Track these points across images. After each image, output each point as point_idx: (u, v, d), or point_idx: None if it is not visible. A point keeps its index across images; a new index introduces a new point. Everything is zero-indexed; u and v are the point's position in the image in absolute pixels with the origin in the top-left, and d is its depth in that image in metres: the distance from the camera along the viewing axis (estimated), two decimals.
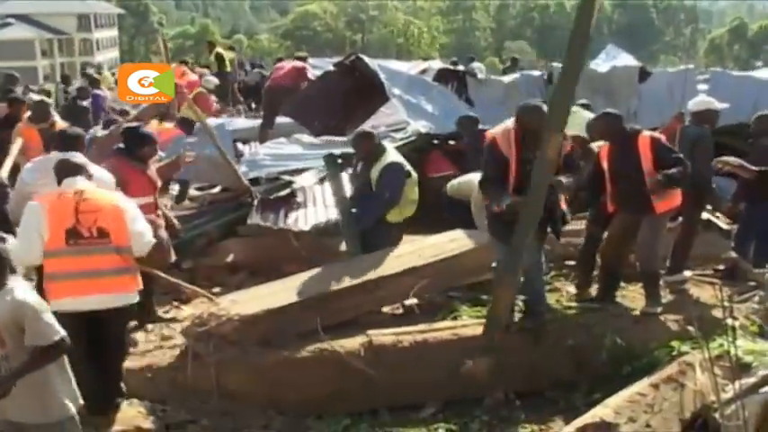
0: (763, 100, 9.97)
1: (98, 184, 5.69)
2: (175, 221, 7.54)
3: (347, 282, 6.65)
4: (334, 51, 50.69)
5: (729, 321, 5.55)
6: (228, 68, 19.11)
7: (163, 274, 6.73)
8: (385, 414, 6.11)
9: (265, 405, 5.97)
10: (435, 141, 10.48)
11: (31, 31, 72.24)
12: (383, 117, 11.74)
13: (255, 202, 8.96)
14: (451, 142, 10.40)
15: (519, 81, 12.87)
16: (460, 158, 9.67)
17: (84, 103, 14.55)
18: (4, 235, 5.40)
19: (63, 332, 4.04)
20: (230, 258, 8.71)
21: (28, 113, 9.82)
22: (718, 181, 8.12)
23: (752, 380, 5.12)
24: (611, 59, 13.57)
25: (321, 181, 9.51)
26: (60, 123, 9.34)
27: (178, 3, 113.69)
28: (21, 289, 4.03)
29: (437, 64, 16.89)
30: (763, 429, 4.79)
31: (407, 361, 6.15)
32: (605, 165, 6.87)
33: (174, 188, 10.36)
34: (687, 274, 7.53)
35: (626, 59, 13.56)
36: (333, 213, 8.65)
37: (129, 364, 5.94)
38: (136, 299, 5.48)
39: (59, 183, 5.44)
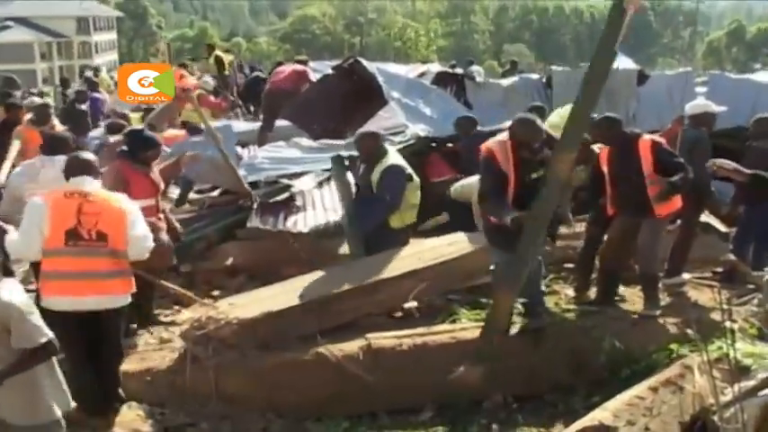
0: (762, 103, 9.97)
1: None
2: (177, 225, 7.55)
3: (346, 285, 6.64)
4: (332, 54, 50.80)
5: (728, 324, 5.56)
6: (227, 71, 19.13)
7: (158, 280, 6.72)
8: (384, 417, 6.10)
9: (264, 408, 5.96)
10: (434, 144, 10.48)
11: (30, 33, 72.23)
12: (382, 120, 11.73)
13: (255, 206, 8.97)
14: (450, 145, 10.40)
15: (517, 84, 12.89)
16: (459, 161, 9.67)
17: (83, 107, 14.53)
18: (6, 226, 5.44)
19: (50, 334, 4.03)
20: (229, 262, 8.70)
21: (29, 116, 9.83)
22: (716, 184, 8.12)
23: (751, 383, 5.11)
24: None
25: (320, 185, 9.53)
26: (59, 127, 9.35)
27: (177, 5, 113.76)
28: (7, 290, 4.00)
29: (436, 67, 16.88)
30: None
31: (406, 364, 6.15)
32: (605, 168, 6.88)
33: (175, 192, 10.37)
34: (686, 276, 7.54)
35: (624, 63, 13.55)
36: (332, 216, 8.66)
37: (127, 367, 5.93)
38: (127, 301, 5.47)
39: (67, 179, 5.45)
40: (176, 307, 7.64)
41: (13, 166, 8.30)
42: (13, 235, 5.33)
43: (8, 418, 4.08)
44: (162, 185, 7.08)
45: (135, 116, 11.22)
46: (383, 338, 6.28)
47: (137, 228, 5.39)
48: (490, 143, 6.35)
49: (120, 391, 5.62)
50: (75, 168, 5.47)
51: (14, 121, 9.83)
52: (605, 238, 7.12)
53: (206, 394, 5.92)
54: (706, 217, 8.38)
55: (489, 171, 6.25)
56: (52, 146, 6.88)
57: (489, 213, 6.30)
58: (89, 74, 21.01)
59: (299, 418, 5.98)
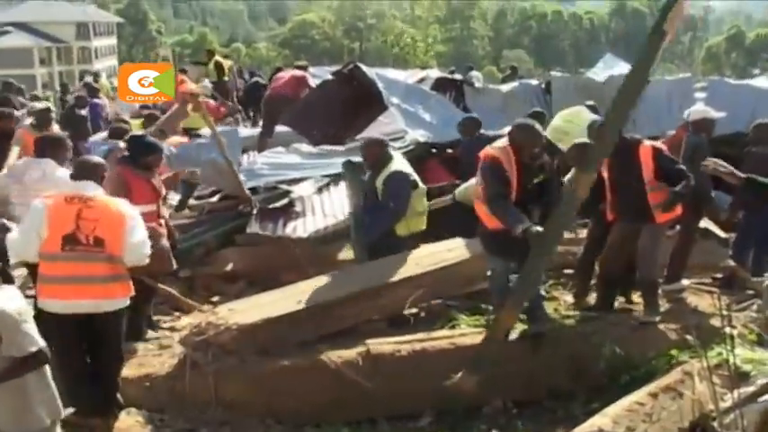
0: (761, 109, 9.97)
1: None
2: (175, 232, 7.55)
3: (345, 291, 6.65)
4: (332, 60, 50.89)
5: (728, 330, 5.54)
6: (227, 77, 19.13)
7: (158, 285, 6.73)
8: (383, 423, 6.10)
9: (264, 414, 5.96)
10: (434, 150, 10.48)
11: (30, 39, 72.28)
12: (381, 126, 11.73)
13: (254, 212, 8.97)
14: (449, 151, 10.41)
15: (517, 90, 12.89)
16: (458, 166, 9.65)
17: (83, 112, 14.54)
18: (9, 224, 5.46)
19: (41, 344, 4.03)
20: (229, 267, 8.70)
21: (30, 120, 9.83)
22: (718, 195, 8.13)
23: (750, 389, 5.11)
24: (608, 68, 13.61)
25: (319, 190, 9.53)
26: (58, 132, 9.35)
27: (177, 11, 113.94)
28: (4, 298, 4.01)
29: (435, 73, 16.91)
30: None
31: (406, 370, 6.15)
32: (605, 173, 6.86)
33: (175, 197, 10.36)
34: (685, 282, 7.54)
35: (624, 68, 13.57)
36: (331, 222, 8.66)
37: (126, 372, 5.93)
38: (124, 304, 5.47)
39: (75, 181, 5.50)
40: (176, 313, 7.64)
41: None
42: (14, 233, 5.36)
43: None
44: (163, 191, 7.09)
45: (135, 122, 11.20)
46: (382, 344, 6.28)
47: (135, 234, 5.38)
48: (492, 150, 6.32)
49: (119, 396, 5.62)
50: (81, 172, 5.51)
51: (6, 131, 9.72)
52: (605, 243, 7.11)
53: (205, 400, 5.91)
54: (705, 223, 8.38)
55: (496, 176, 6.20)
56: (42, 147, 6.89)
57: (500, 219, 6.17)
58: (89, 79, 21.02)
59: (298, 424, 5.98)
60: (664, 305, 7.04)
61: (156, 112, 11.97)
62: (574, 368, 6.32)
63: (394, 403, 6.13)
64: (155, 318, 7.33)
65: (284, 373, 6.01)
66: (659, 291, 7.03)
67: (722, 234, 8.48)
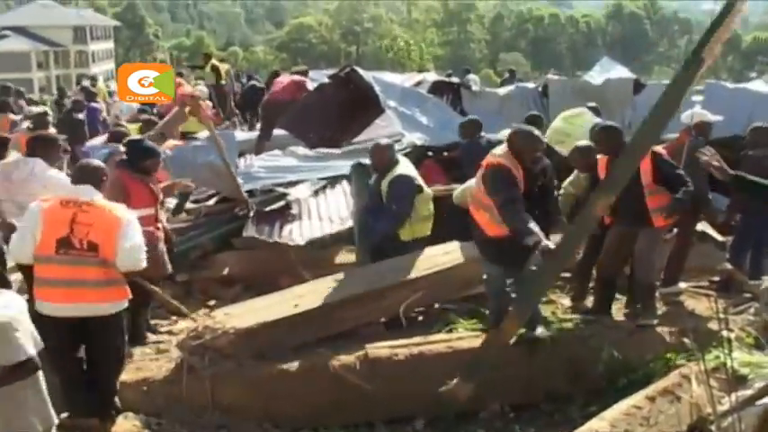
0: (758, 112, 9.99)
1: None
2: (172, 235, 7.53)
3: (342, 295, 6.64)
4: (329, 63, 50.88)
5: (725, 333, 5.54)
6: (224, 80, 19.13)
7: (152, 288, 6.71)
8: (381, 427, 6.10)
9: (261, 418, 5.95)
10: (430, 153, 10.48)
11: (27, 43, 72.21)
12: (378, 129, 11.74)
13: (251, 215, 8.96)
14: (446, 154, 10.40)
15: (514, 93, 12.92)
16: (456, 168, 9.63)
17: (80, 116, 14.53)
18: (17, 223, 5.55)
19: (31, 352, 4.04)
20: (226, 271, 8.70)
21: (27, 124, 9.82)
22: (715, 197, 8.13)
23: (748, 392, 5.10)
24: (605, 72, 13.63)
25: (316, 193, 9.53)
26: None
27: (174, 15, 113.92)
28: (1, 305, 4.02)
29: (432, 76, 16.94)
30: None
31: (403, 374, 6.14)
32: (603, 177, 6.83)
33: (172, 201, 10.35)
34: (682, 285, 7.54)
35: (620, 72, 13.62)
36: (328, 227, 8.65)
37: (124, 376, 5.91)
38: (120, 308, 5.45)
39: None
40: (174, 317, 7.63)
41: None
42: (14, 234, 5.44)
43: None
44: (161, 195, 7.08)
45: (133, 127, 11.20)
46: (379, 348, 6.28)
47: (128, 239, 5.31)
48: (497, 158, 6.22)
49: (117, 400, 5.61)
50: (80, 176, 5.52)
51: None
52: (603, 247, 7.11)
53: (202, 404, 5.91)
54: (702, 226, 8.39)
55: (506, 183, 6.09)
56: (32, 147, 6.89)
57: (512, 225, 6.01)
58: (86, 83, 21.01)
59: (295, 427, 5.98)
60: (661, 308, 7.04)
61: (154, 118, 11.98)
62: (571, 371, 6.32)
63: (392, 407, 6.13)
64: (152, 322, 7.33)
65: (281, 377, 6.00)
66: (656, 294, 7.02)
67: (719, 237, 8.48)
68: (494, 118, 11.11)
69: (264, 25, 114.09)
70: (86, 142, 12.31)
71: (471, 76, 18.59)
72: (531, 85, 14.02)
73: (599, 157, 7.10)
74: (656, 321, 6.70)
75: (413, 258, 7.13)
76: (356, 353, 6.19)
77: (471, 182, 7.07)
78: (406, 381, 6.10)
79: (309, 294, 6.69)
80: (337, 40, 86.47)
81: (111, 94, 18.96)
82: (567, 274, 7.80)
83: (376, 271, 7.07)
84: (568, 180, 7.74)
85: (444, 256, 7.23)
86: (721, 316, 5.39)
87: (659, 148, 7.01)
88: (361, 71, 11.85)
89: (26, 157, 6.92)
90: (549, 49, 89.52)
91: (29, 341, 4.06)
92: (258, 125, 14.96)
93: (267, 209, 9.11)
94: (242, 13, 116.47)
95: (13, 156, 8.91)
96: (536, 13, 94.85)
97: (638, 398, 5.28)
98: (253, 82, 20.27)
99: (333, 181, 9.81)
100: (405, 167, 7.38)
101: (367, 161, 8.23)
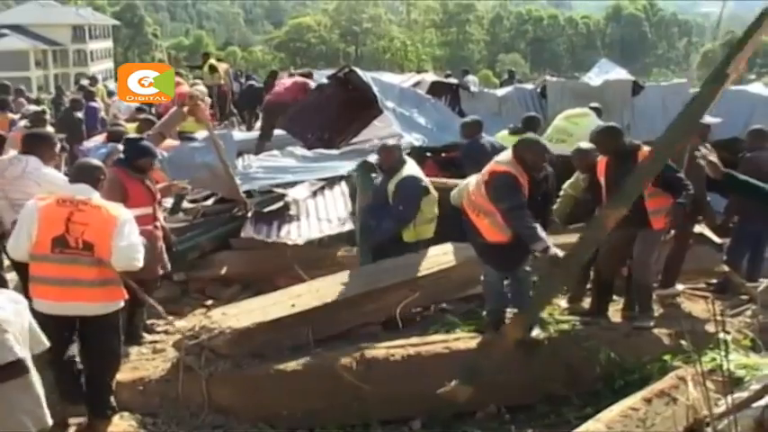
0: (757, 114, 10.01)
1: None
2: (170, 234, 7.53)
3: (339, 295, 6.64)
4: (327, 63, 50.93)
5: (722, 335, 5.55)
6: (222, 80, 19.13)
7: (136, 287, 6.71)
8: (377, 427, 6.09)
9: (257, 419, 5.94)
10: (428, 154, 10.48)
11: (26, 41, 72.22)
12: (376, 130, 11.76)
13: (249, 215, 8.96)
14: (443, 155, 10.40)
15: (512, 94, 12.94)
16: (453, 169, 9.63)
17: (79, 115, 14.52)
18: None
19: (20, 354, 4.04)
20: (223, 271, 8.70)
21: (24, 122, 9.81)
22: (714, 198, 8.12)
23: (744, 394, 5.11)
24: (603, 73, 13.65)
25: (314, 194, 9.52)
26: None
27: (173, 14, 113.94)
28: None
29: (430, 77, 16.94)
30: None
31: (400, 374, 6.13)
32: (602, 178, 6.83)
33: (169, 201, 10.34)
34: (679, 287, 7.53)
35: (619, 73, 13.64)
36: (326, 228, 8.65)
37: (120, 376, 5.91)
38: (115, 308, 5.46)
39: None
40: (170, 317, 7.61)
41: None
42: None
43: None
44: (159, 194, 7.07)
45: (131, 126, 11.19)
46: (376, 348, 6.27)
47: (124, 238, 5.29)
48: (503, 165, 6.21)
49: (113, 400, 5.61)
50: (77, 175, 5.53)
51: None
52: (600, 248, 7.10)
53: (198, 404, 5.90)
54: (700, 228, 8.38)
55: (514, 190, 6.10)
56: (27, 144, 6.87)
57: (521, 231, 6.05)
58: (85, 82, 21.00)
59: (291, 427, 5.97)
60: (658, 310, 7.03)
61: (152, 117, 11.97)
62: (568, 373, 6.31)
63: (388, 407, 6.11)
64: (149, 321, 7.31)
65: (277, 377, 5.99)
66: (653, 296, 7.02)
67: (717, 239, 8.48)
68: (492, 119, 11.12)
69: (263, 25, 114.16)
70: (84, 141, 12.29)
71: (470, 77, 18.65)
72: (529, 86, 14.04)
73: (599, 158, 7.10)
74: (652, 323, 6.69)
75: (410, 259, 7.13)
76: (353, 353, 6.17)
77: (467, 180, 7.00)
78: (402, 381, 6.09)
79: (306, 295, 6.69)
80: (336, 41, 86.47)
81: (110, 93, 18.94)
82: None
83: (373, 271, 7.07)
84: (568, 182, 7.74)
85: (442, 256, 7.23)
86: (718, 318, 5.40)
87: None
88: (359, 72, 11.86)
89: (21, 154, 6.91)
90: (547, 50, 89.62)
91: (20, 343, 4.07)
92: (257, 125, 14.96)
93: (265, 209, 9.10)
94: (241, 13, 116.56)
95: (11, 155, 8.94)
96: (535, 14, 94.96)
97: (634, 399, 5.26)
98: (251, 82, 20.29)
99: (331, 182, 9.82)
100: (413, 169, 7.38)
101: (373, 159, 8.23)
